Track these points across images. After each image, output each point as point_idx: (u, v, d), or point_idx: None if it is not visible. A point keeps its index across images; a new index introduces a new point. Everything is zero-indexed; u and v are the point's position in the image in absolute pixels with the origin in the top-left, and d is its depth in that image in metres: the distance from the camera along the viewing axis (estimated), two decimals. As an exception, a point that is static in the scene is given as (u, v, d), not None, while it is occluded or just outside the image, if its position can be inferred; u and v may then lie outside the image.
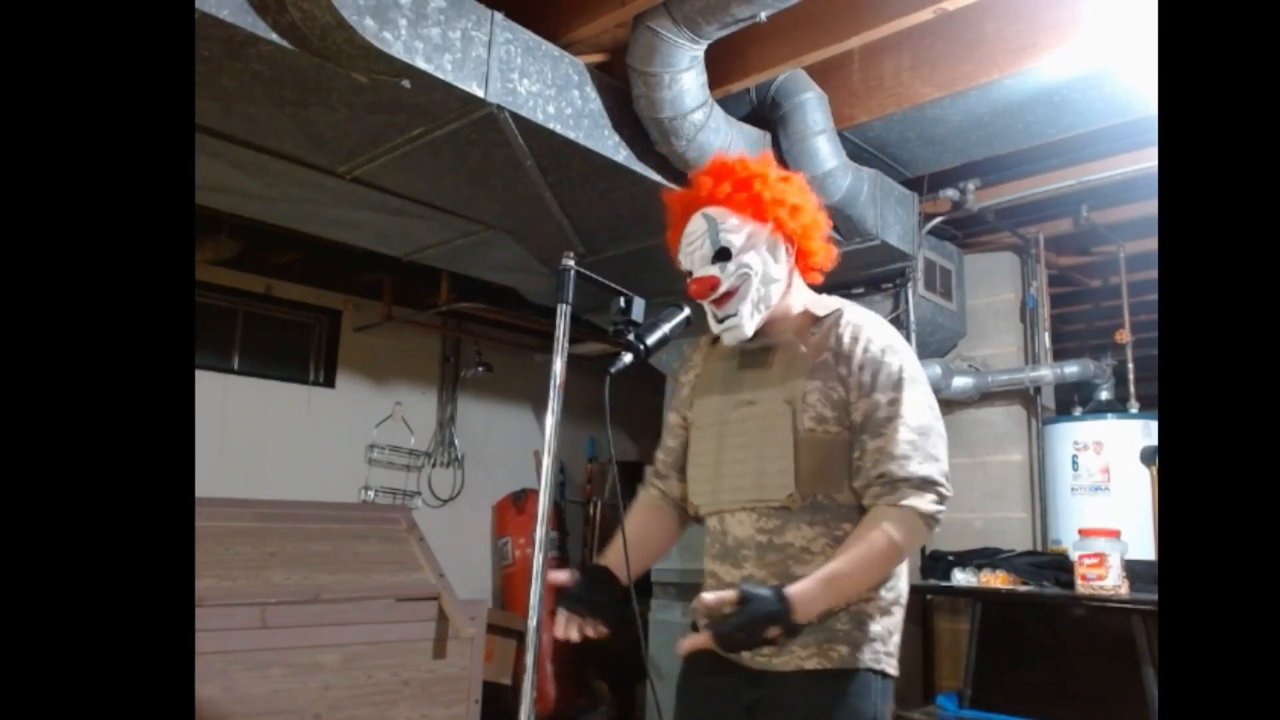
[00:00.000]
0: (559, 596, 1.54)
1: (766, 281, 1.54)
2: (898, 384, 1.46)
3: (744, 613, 1.31)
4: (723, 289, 1.52)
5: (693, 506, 1.64)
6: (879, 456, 1.43)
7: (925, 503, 1.40)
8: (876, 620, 1.46)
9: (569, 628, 1.53)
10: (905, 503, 1.40)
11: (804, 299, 1.61)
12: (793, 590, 1.34)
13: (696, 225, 1.56)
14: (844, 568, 1.38)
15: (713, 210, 1.54)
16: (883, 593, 1.48)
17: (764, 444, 1.50)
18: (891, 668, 1.46)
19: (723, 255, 1.53)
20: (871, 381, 1.46)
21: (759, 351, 1.58)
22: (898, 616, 1.50)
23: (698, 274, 1.55)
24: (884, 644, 1.46)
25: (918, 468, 1.41)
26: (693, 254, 1.56)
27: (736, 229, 1.53)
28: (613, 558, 1.59)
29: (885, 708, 1.44)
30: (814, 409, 1.46)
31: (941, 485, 1.43)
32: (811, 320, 1.56)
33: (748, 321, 1.53)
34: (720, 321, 1.55)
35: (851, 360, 1.47)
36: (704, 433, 1.61)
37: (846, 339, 1.50)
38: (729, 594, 1.33)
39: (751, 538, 1.49)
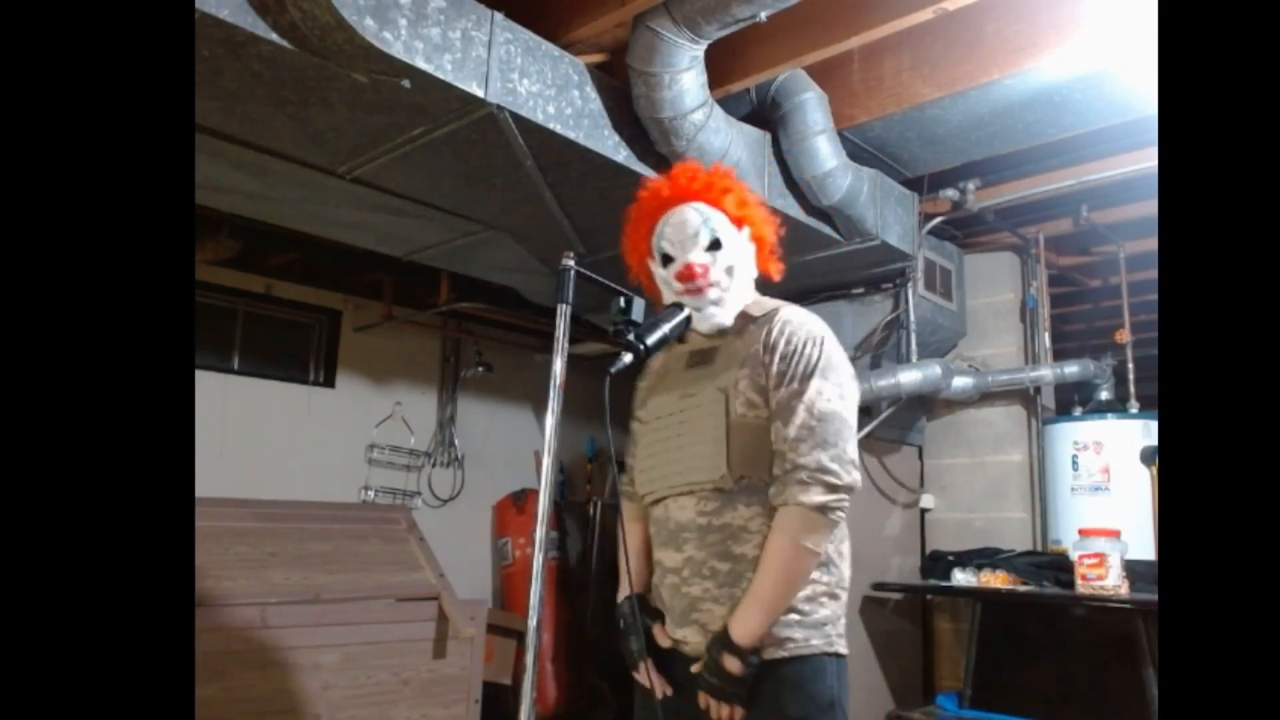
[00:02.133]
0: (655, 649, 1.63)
1: (742, 278, 1.66)
2: (809, 374, 1.51)
3: (706, 669, 1.47)
4: (711, 277, 1.61)
5: (639, 496, 1.71)
6: (780, 443, 1.50)
7: (812, 495, 1.45)
8: (825, 606, 1.53)
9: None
10: (793, 500, 1.46)
11: (747, 300, 1.70)
12: (729, 623, 1.46)
13: (690, 215, 1.63)
14: (762, 584, 1.47)
15: (703, 206, 1.64)
16: (824, 579, 1.54)
17: (700, 430, 1.57)
18: (843, 648, 1.55)
19: (716, 245, 1.63)
20: (788, 371, 1.52)
21: (705, 352, 1.67)
22: (842, 599, 1.58)
23: (691, 259, 1.62)
24: (833, 626, 1.54)
25: (806, 456, 1.46)
26: (683, 241, 1.63)
27: (725, 226, 1.64)
28: (636, 581, 1.69)
29: (842, 686, 1.53)
30: (744, 395, 1.54)
31: (831, 474, 1.45)
32: (749, 320, 1.65)
33: (726, 311, 1.64)
34: (699, 310, 1.64)
35: (775, 350, 1.55)
36: (650, 426, 1.70)
37: (775, 332, 1.57)
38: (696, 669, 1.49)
39: (693, 520, 1.56)
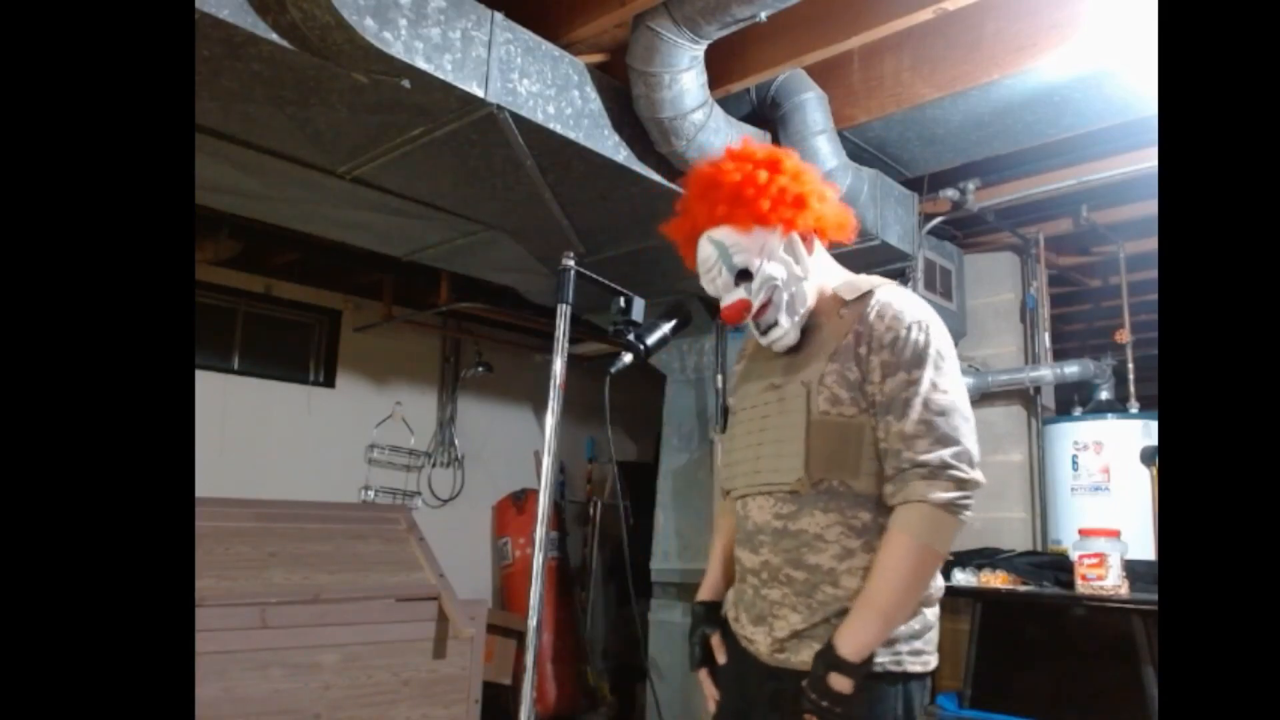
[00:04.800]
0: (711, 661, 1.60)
1: (794, 283, 1.49)
2: (920, 362, 1.38)
3: (812, 688, 1.32)
4: (755, 308, 1.48)
5: (724, 492, 1.65)
6: (894, 440, 1.37)
7: (937, 492, 1.33)
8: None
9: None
10: (916, 498, 1.34)
11: (835, 281, 1.55)
12: (835, 635, 1.34)
13: (707, 253, 1.50)
14: (879, 589, 1.35)
15: (717, 233, 1.48)
16: None
17: (780, 427, 1.46)
18: (919, 665, 1.41)
19: (744, 276, 1.48)
20: (895, 360, 1.39)
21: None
22: (929, 615, 1.45)
23: (725, 301, 1.50)
24: (905, 644, 1.40)
25: (927, 453, 1.34)
26: (714, 281, 1.50)
27: (747, 247, 1.47)
28: (709, 588, 1.66)
29: (915, 707, 1.41)
30: (829, 391, 1.42)
31: (956, 469, 1.34)
32: (841, 303, 1.51)
33: (792, 329, 1.49)
34: (764, 334, 1.51)
35: (873, 339, 1.41)
36: (736, 417, 1.60)
37: (872, 317, 1.43)
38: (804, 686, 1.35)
39: (768, 523, 1.47)
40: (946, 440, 1.35)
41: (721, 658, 1.56)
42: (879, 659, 1.36)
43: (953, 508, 1.33)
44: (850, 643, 1.32)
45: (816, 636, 1.39)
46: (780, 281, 1.48)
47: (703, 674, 1.58)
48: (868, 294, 1.48)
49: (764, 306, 1.48)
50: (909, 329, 1.40)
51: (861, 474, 1.40)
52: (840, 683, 1.30)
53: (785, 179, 1.47)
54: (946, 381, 1.39)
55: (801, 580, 1.42)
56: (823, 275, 1.54)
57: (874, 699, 1.37)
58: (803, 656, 1.40)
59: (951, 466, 1.34)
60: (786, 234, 1.49)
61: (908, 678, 1.40)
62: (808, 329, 1.52)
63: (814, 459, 1.41)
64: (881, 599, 1.34)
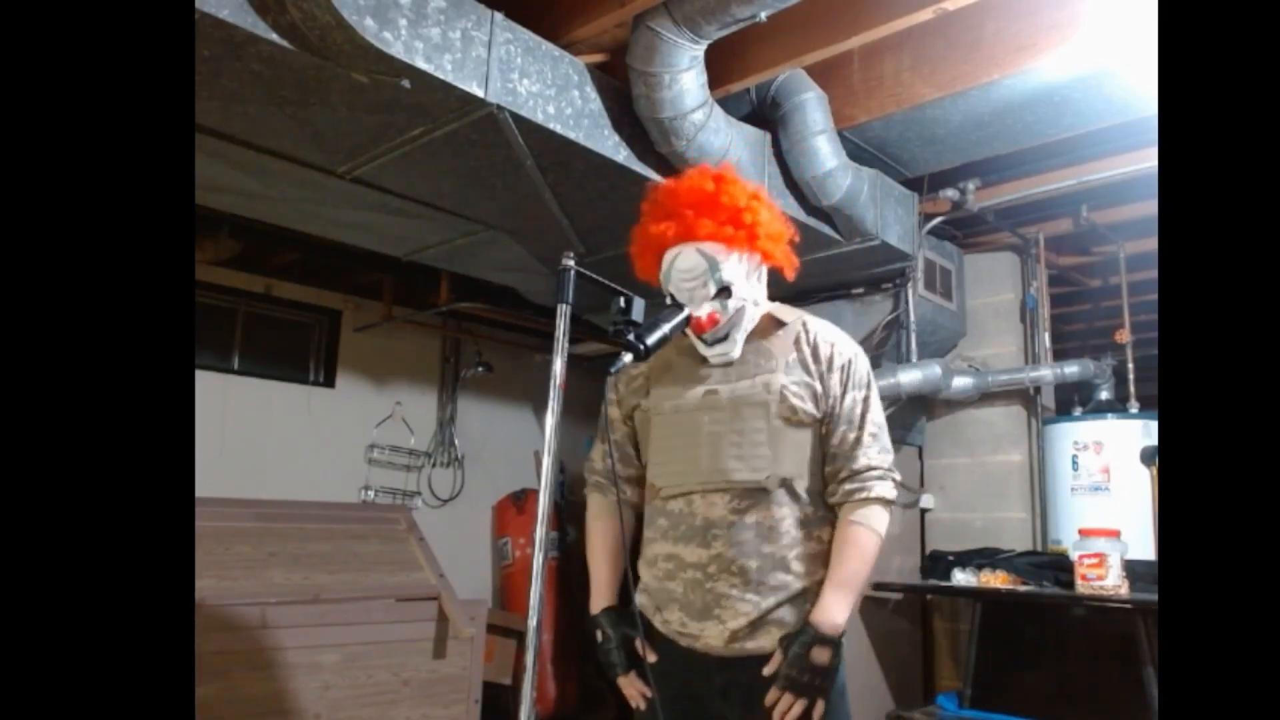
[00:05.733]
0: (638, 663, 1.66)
1: (753, 308, 1.65)
2: (867, 384, 1.64)
3: (790, 658, 1.49)
4: (723, 322, 1.61)
5: (652, 490, 1.69)
6: (853, 446, 1.60)
7: (887, 489, 1.59)
8: (812, 593, 1.59)
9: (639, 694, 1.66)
10: (874, 493, 1.58)
11: (767, 306, 1.71)
12: (814, 615, 1.52)
13: (694, 263, 1.58)
14: (846, 569, 1.56)
15: (707, 246, 1.58)
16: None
17: (740, 430, 1.59)
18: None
19: (724, 293, 1.59)
20: (849, 381, 1.62)
21: None
22: None
23: (698, 312, 1.59)
24: None
25: (877, 458, 1.60)
26: (691, 290, 1.59)
27: (733, 266, 1.59)
28: (608, 592, 1.72)
29: (844, 672, 1.60)
30: (789, 400, 1.58)
31: (894, 472, 1.63)
32: (775, 323, 1.68)
33: (738, 345, 1.64)
34: (710, 345, 1.63)
35: (831, 363, 1.62)
36: (667, 419, 1.67)
37: (822, 344, 1.63)
38: (775, 657, 1.51)
39: (724, 518, 1.57)
40: (887, 450, 1.62)
41: (652, 657, 1.62)
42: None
43: (892, 502, 1.61)
44: (828, 620, 1.51)
45: (773, 622, 1.54)
46: (747, 303, 1.63)
47: (631, 676, 1.63)
48: (800, 320, 1.68)
49: (729, 324, 1.62)
50: (854, 356, 1.65)
51: (809, 474, 1.60)
52: (822, 655, 1.48)
53: (769, 214, 1.64)
54: (878, 402, 1.66)
55: (754, 569, 1.55)
56: (759, 310, 1.70)
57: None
58: (759, 642, 1.54)
59: (893, 470, 1.62)
60: (761, 263, 1.65)
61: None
62: (746, 343, 1.67)
63: (780, 459, 1.57)
64: (853, 580, 1.56)
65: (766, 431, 1.57)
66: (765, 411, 1.58)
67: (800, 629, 1.51)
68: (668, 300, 1.63)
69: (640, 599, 1.69)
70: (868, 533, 1.57)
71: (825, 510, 1.62)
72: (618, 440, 1.76)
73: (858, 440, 1.60)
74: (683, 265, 1.60)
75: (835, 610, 1.52)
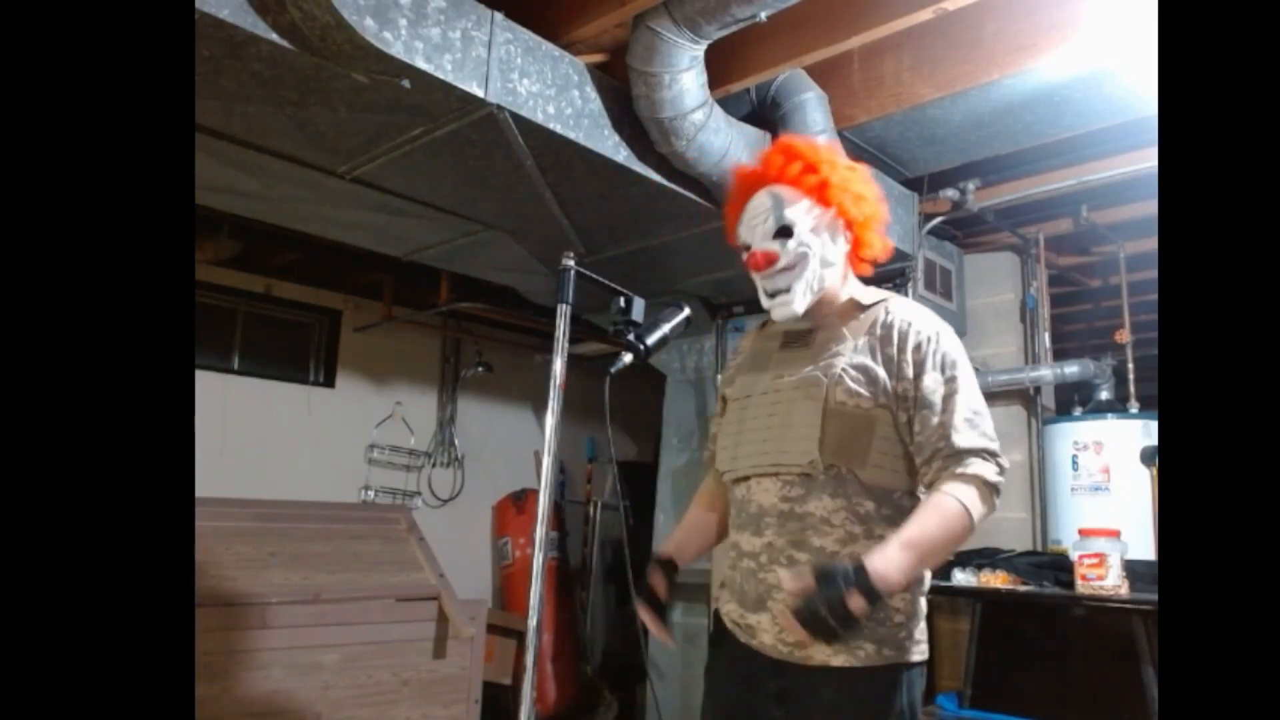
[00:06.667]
0: (655, 601, 1.63)
1: (823, 264, 1.57)
2: (954, 364, 1.49)
3: (823, 590, 1.29)
4: (780, 264, 1.55)
5: (718, 474, 1.67)
6: (942, 430, 1.45)
7: (990, 471, 1.43)
8: (901, 613, 1.47)
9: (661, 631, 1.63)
10: (972, 470, 1.42)
11: (852, 288, 1.63)
12: (870, 555, 1.34)
13: (761, 201, 1.58)
14: (920, 530, 1.39)
15: (779, 189, 1.57)
16: (916, 584, 1.49)
17: (791, 412, 1.51)
18: (919, 654, 1.48)
19: (784, 233, 1.55)
20: (926, 362, 1.48)
21: (802, 333, 1.61)
22: (921, 603, 1.52)
23: (757, 247, 1.56)
24: (908, 633, 1.47)
25: (980, 440, 1.45)
26: (755, 228, 1.57)
27: (801, 209, 1.56)
28: (671, 546, 1.70)
29: (917, 694, 1.47)
30: (848, 383, 1.48)
31: (1001, 458, 1.46)
32: (857, 306, 1.59)
33: (799, 299, 1.55)
34: (771, 296, 1.58)
35: (904, 343, 1.50)
36: (737, 404, 1.64)
37: (897, 323, 1.52)
38: (805, 575, 1.33)
39: (774, 505, 1.51)
40: (990, 437, 1.47)
41: (663, 594, 1.62)
42: (885, 651, 1.43)
43: (995, 489, 1.44)
44: (883, 571, 1.31)
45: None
46: (811, 253, 1.55)
47: (644, 607, 1.61)
48: (883, 300, 1.58)
49: (787, 269, 1.55)
50: (935, 335, 1.51)
51: (869, 464, 1.47)
52: (857, 603, 1.28)
53: (857, 178, 1.60)
54: (977, 390, 1.51)
55: (804, 562, 1.45)
56: (846, 280, 1.63)
57: (889, 686, 1.43)
58: (806, 652, 1.43)
59: (999, 456, 1.46)
60: (836, 219, 1.58)
61: (911, 666, 1.47)
62: (820, 325, 1.60)
63: (828, 443, 1.47)
64: (923, 542, 1.37)
65: (820, 415, 1.47)
66: (821, 394, 1.48)
67: (850, 568, 1.31)
68: (741, 252, 1.62)
69: (716, 591, 1.70)
70: (955, 504, 1.40)
71: (892, 509, 1.48)
72: (713, 432, 1.75)
73: (948, 424, 1.45)
74: (752, 206, 1.59)
75: (893, 565, 1.32)
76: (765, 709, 1.48)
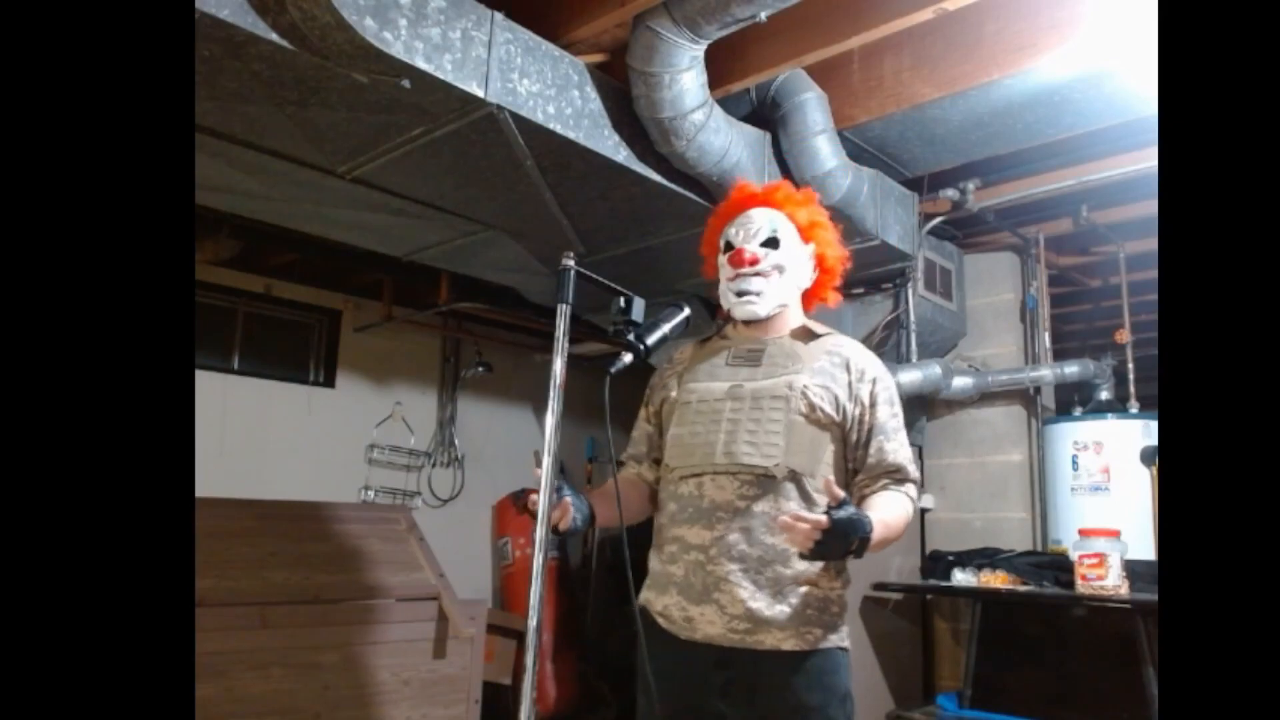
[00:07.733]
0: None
1: (791, 282, 1.77)
2: (896, 401, 1.75)
3: (835, 524, 1.43)
4: (759, 267, 1.72)
5: (666, 469, 1.76)
6: (888, 455, 1.70)
7: (914, 491, 1.73)
8: (835, 604, 1.66)
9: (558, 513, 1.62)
10: (906, 488, 1.70)
11: (802, 318, 1.84)
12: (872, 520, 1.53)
13: (761, 213, 1.78)
14: (891, 514, 1.61)
15: (779, 214, 1.79)
16: (837, 585, 1.68)
17: (756, 419, 1.66)
18: (848, 643, 1.69)
19: (772, 244, 1.75)
20: (880, 396, 1.71)
21: (750, 353, 1.76)
22: (847, 597, 1.74)
23: (747, 248, 1.74)
24: (843, 621, 1.68)
25: (912, 466, 1.73)
26: (750, 232, 1.76)
27: (791, 232, 1.78)
28: (596, 499, 1.73)
29: (850, 679, 1.66)
30: (809, 399, 1.65)
31: (919, 486, 1.77)
32: (809, 333, 1.78)
33: (765, 304, 1.73)
34: (739, 296, 1.73)
35: (862, 375, 1.71)
36: (689, 407, 1.74)
37: (853, 357, 1.73)
38: (821, 519, 1.45)
39: (730, 501, 1.62)
40: (912, 462, 1.75)
41: (565, 524, 1.61)
42: (831, 637, 1.62)
43: (916, 505, 1.74)
44: (877, 535, 1.52)
45: (777, 624, 1.57)
46: (787, 268, 1.75)
47: (533, 505, 1.51)
48: (830, 334, 1.80)
49: (762, 274, 1.73)
50: (884, 374, 1.76)
51: (818, 473, 1.64)
52: (851, 545, 1.47)
53: (828, 226, 1.85)
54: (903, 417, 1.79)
55: (755, 557, 1.59)
56: (796, 310, 1.83)
57: (835, 668, 1.63)
58: (758, 637, 1.57)
59: (919, 483, 1.77)
60: (813, 256, 1.81)
61: (846, 651, 1.68)
62: (770, 345, 1.76)
63: (792, 450, 1.63)
64: (891, 526, 1.59)
65: (783, 424, 1.63)
66: (785, 405, 1.64)
67: (870, 523, 1.49)
68: (715, 254, 1.81)
69: (643, 595, 1.72)
70: (906, 501, 1.68)
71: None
72: (649, 431, 1.87)
73: (895, 451, 1.70)
74: (752, 214, 1.79)
75: (877, 535, 1.51)
76: (711, 704, 1.58)
